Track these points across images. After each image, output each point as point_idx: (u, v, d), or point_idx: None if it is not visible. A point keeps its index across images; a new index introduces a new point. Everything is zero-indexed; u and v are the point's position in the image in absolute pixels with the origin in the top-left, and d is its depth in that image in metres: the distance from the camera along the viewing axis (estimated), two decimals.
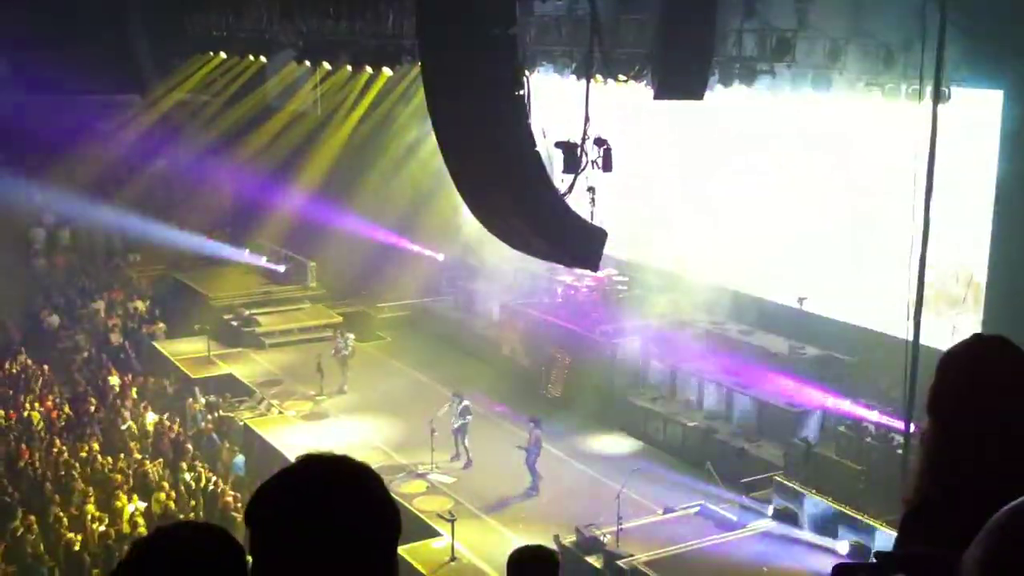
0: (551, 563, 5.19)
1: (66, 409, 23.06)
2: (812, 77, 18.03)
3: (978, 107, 17.04)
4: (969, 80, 16.15)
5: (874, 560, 1.87)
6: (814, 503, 17.24)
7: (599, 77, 17.92)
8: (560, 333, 23.93)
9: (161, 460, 20.86)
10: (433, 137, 12.98)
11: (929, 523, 2.24)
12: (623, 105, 20.22)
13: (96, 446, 21.04)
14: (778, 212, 21.90)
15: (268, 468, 18.58)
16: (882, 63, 16.97)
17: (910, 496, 2.34)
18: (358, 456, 2.04)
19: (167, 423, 22.53)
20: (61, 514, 18.44)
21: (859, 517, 16.39)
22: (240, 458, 21.29)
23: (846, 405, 19.51)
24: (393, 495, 2.02)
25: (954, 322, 17.97)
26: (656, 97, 15.49)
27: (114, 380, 24.53)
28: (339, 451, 2.06)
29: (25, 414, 22.44)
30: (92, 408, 22.92)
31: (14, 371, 24.91)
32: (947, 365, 2.39)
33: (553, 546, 16.44)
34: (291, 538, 1.91)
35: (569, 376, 23.43)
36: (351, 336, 25.26)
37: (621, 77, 18.20)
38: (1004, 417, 2.25)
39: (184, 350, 26.66)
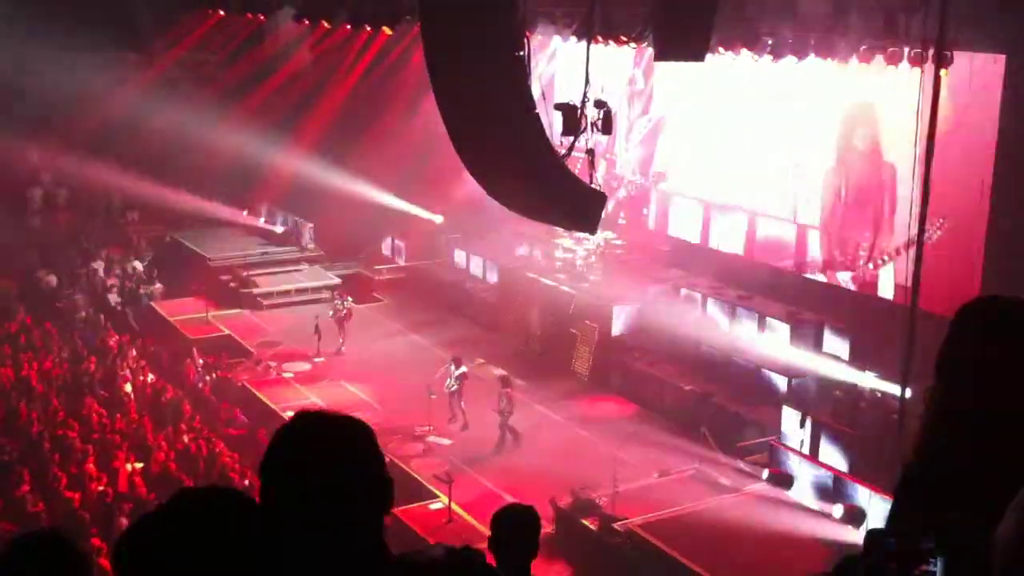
0: (532, 519, 5.39)
1: (64, 368, 23.07)
2: (814, 41, 17.93)
3: (980, 71, 16.95)
4: (972, 44, 16.04)
5: (899, 528, 1.84)
6: (808, 467, 17.33)
7: (600, 38, 17.82)
8: (557, 296, 23.90)
9: (160, 420, 20.90)
10: (432, 98, 12.85)
11: (928, 485, 2.21)
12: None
13: (95, 406, 21.06)
14: (777, 175, 21.83)
15: (266, 429, 18.64)
16: (884, 27, 16.86)
17: (910, 458, 2.31)
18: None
19: (165, 384, 22.54)
20: (60, 473, 18.49)
21: (853, 482, 16.48)
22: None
23: (842, 370, 19.55)
24: (389, 456, 2.00)
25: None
26: (657, 59, 15.40)
27: (112, 340, 24.53)
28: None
29: (24, 373, 22.45)
30: (91, 368, 22.93)
31: (12, 330, 24.91)
32: (957, 325, 2.30)
33: (549, 509, 16.55)
34: (283, 497, 1.91)
35: (564, 340, 23.41)
36: (349, 298, 25.26)
37: (622, 38, 18.10)
38: (1009, 382, 2.18)
39: (182, 311, 26.65)
